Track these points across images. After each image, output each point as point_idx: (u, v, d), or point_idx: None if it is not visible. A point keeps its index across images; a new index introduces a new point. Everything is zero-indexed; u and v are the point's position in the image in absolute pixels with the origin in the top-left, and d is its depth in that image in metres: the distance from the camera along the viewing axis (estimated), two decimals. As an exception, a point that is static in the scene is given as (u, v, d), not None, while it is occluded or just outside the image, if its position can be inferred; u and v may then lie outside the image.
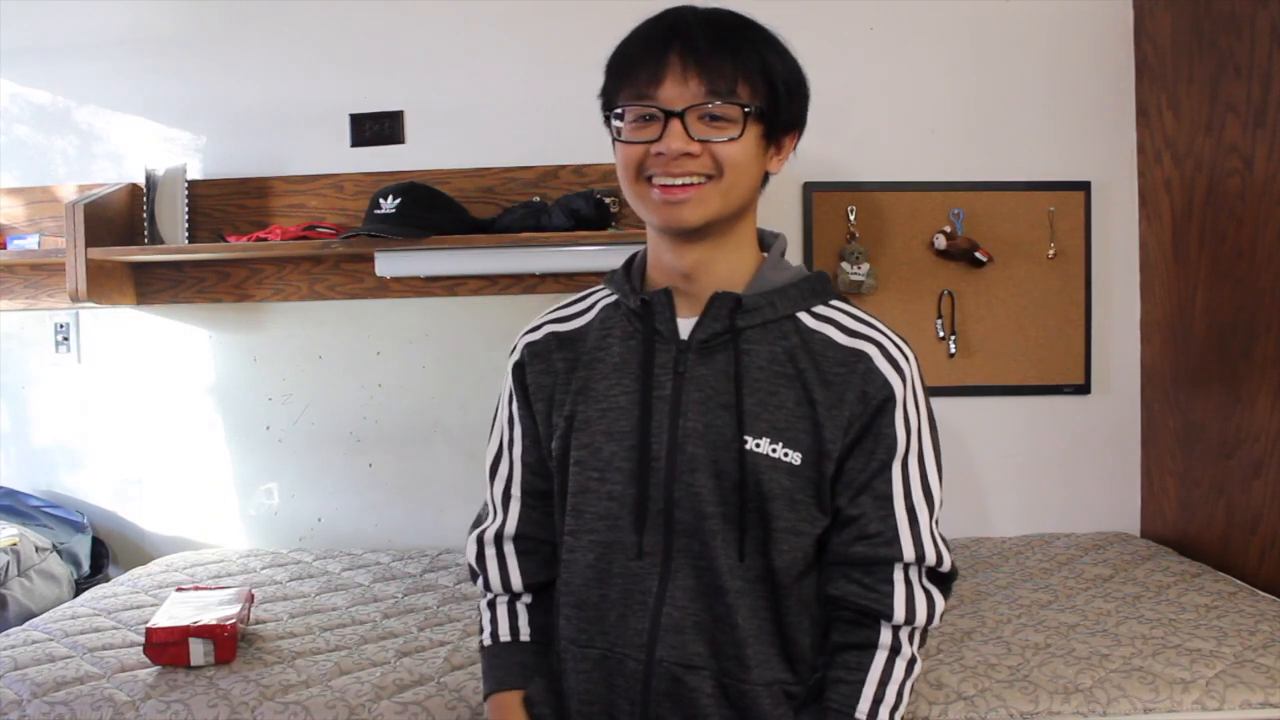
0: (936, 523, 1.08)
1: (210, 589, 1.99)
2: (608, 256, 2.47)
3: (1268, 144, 2.06)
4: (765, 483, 1.02)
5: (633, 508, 1.05)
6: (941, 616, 1.08)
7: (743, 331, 1.05)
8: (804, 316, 1.07)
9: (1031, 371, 2.61)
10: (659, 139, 0.98)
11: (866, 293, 2.55)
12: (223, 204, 2.58)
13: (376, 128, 2.58)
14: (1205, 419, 2.33)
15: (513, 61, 2.57)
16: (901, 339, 1.08)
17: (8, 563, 2.12)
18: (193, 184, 2.52)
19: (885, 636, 1.04)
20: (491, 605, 1.20)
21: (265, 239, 2.40)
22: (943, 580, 1.09)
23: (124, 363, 2.63)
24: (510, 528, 1.18)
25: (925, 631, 1.08)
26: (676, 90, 0.98)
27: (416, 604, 2.10)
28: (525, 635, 1.17)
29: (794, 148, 1.10)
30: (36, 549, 2.24)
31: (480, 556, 1.20)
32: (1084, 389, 2.62)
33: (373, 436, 2.63)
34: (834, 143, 2.58)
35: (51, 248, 2.47)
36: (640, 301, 1.09)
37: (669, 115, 0.98)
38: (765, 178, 1.09)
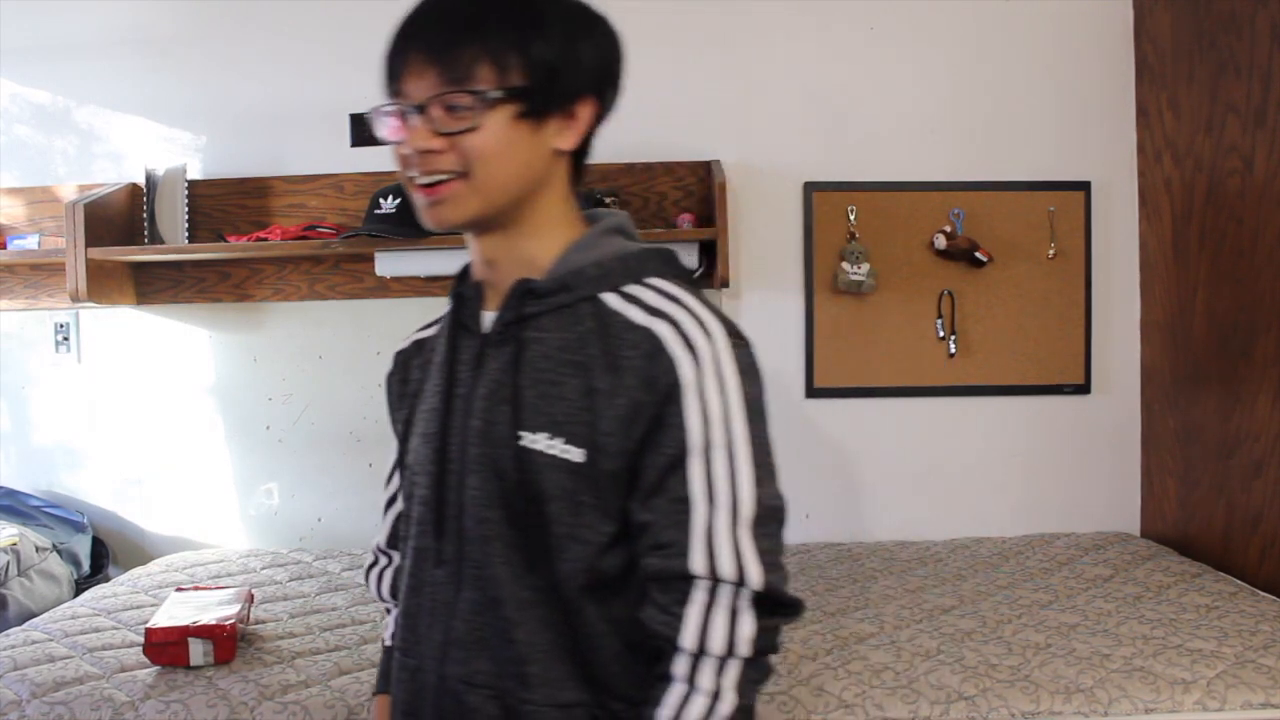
0: (758, 532, 0.90)
1: (210, 589, 1.99)
2: (608, 256, 2.47)
3: (1268, 144, 2.06)
4: (542, 483, 0.91)
5: (433, 512, 0.99)
6: (755, 644, 0.88)
7: (533, 319, 0.95)
8: (608, 298, 0.94)
9: (1031, 371, 2.61)
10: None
11: (866, 292, 2.55)
12: (223, 204, 2.58)
13: (377, 127, 2.58)
14: (1205, 419, 2.33)
15: (513, 61, 2.56)
16: (715, 316, 0.93)
17: (8, 563, 2.11)
18: (193, 184, 2.52)
19: (680, 667, 0.89)
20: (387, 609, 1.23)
21: (265, 239, 2.40)
22: (770, 605, 0.90)
23: (124, 363, 2.62)
24: (381, 538, 1.20)
25: (748, 663, 0.89)
26: (416, 83, 0.90)
27: (416, 604, 2.09)
28: (387, 641, 1.17)
29: (599, 115, 0.97)
30: (36, 549, 2.24)
31: (369, 565, 1.24)
32: (1084, 389, 2.62)
33: (373, 436, 2.63)
34: (834, 143, 2.58)
35: (51, 248, 2.47)
36: (454, 295, 1.03)
37: (411, 110, 0.91)
38: (581, 154, 0.98)
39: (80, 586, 2.34)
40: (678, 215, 2.49)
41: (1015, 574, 2.24)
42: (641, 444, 0.91)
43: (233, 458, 2.64)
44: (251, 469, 2.64)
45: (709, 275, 2.50)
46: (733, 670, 0.89)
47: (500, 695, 0.95)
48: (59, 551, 2.34)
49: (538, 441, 0.92)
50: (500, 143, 0.90)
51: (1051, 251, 2.58)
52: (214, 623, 1.72)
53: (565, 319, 0.94)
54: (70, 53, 2.59)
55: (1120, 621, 1.88)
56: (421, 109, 0.90)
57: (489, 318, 0.99)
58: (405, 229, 2.25)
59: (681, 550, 0.89)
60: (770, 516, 0.91)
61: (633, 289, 0.95)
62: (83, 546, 2.44)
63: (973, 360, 2.60)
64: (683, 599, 0.89)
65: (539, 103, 0.91)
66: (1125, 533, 2.59)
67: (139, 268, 2.57)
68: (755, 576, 0.88)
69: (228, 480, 2.64)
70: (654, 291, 0.95)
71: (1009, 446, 2.63)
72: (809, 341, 2.59)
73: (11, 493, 2.49)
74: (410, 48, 0.91)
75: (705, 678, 0.89)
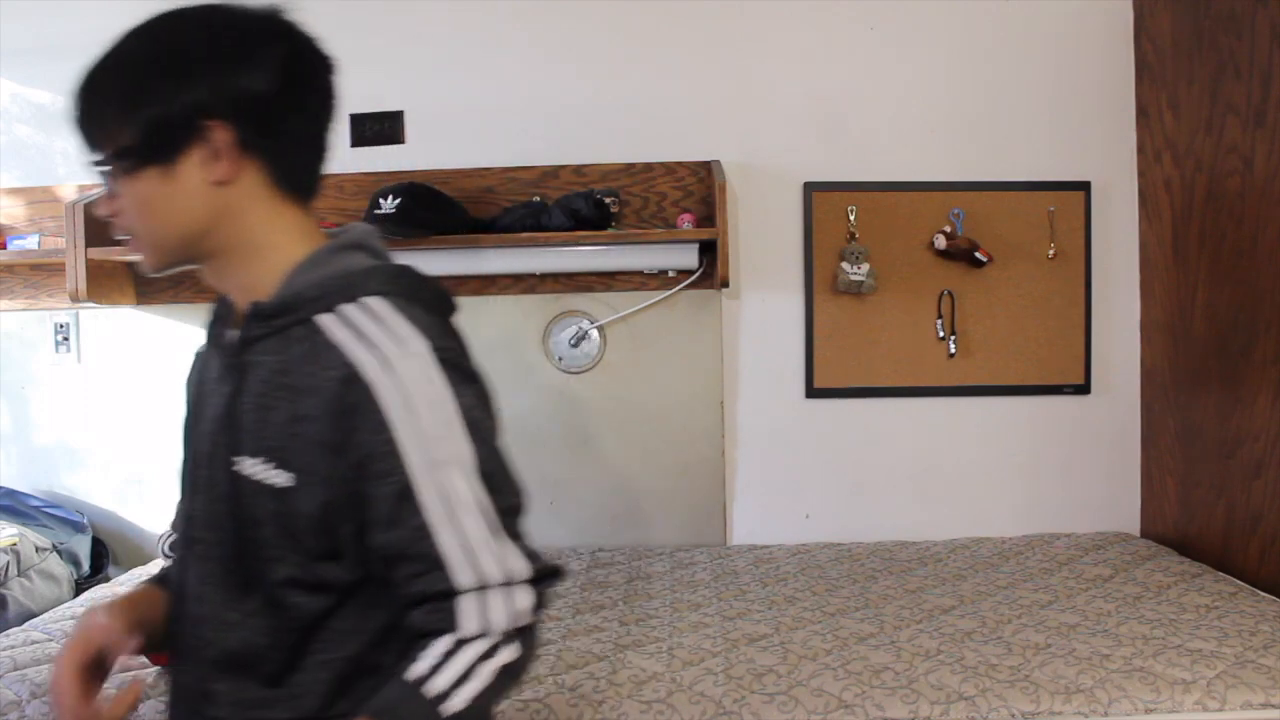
0: (511, 532, 0.91)
1: (210, 589, 1.99)
2: (607, 257, 2.47)
3: (1268, 144, 2.06)
4: (253, 508, 0.91)
5: (181, 531, 1.02)
6: (534, 612, 0.91)
7: (259, 341, 0.94)
8: (323, 319, 0.92)
9: (1031, 371, 2.61)
10: None
11: (866, 292, 2.55)
12: (223, 204, 2.57)
13: (376, 128, 2.58)
14: (1205, 419, 2.33)
15: (513, 61, 2.56)
16: (419, 330, 0.92)
17: (8, 563, 2.11)
18: (193, 184, 2.52)
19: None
20: None
21: (265, 239, 2.40)
22: (536, 582, 0.92)
23: (124, 363, 2.62)
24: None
25: (525, 630, 0.92)
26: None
27: (416, 604, 2.09)
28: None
29: (251, 135, 0.93)
30: (36, 549, 2.24)
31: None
32: (1084, 389, 2.62)
33: (373, 436, 2.62)
34: (834, 143, 2.58)
35: (51, 248, 2.46)
36: (214, 311, 1.05)
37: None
38: (288, 173, 0.98)
39: (80, 586, 2.34)
40: (678, 215, 2.49)
41: (1015, 574, 2.24)
42: (359, 471, 0.88)
43: (233, 458, 2.63)
44: (251, 469, 2.63)
45: (709, 275, 2.51)
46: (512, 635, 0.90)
47: (193, 711, 0.97)
48: (59, 551, 2.34)
49: (249, 466, 0.91)
50: (134, 201, 0.93)
51: (1051, 251, 2.58)
52: (214, 623, 1.71)
53: (284, 342, 0.93)
54: (70, 53, 2.56)
55: (1120, 621, 1.88)
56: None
57: (232, 337, 0.99)
58: (405, 229, 2.25)
59: (444, 573, 0.88)
60: (513, 513, 0.92)
61: (347, 309, 0.92)
62: (83, 546, 2.44)
63: (973, 360, 2.60)
64: (454, 606, 0.88)
65: (145, 154, 0.91)
66: (1125, 533, 2.59)
67: (139, 267, 2.57)
68: (522, 570, 0.90)
69: (228, 480, 2.64)
70: (364, 313, 0.92)
71: (1009, 446, 2.63)
72: (809, 342, 2.59)
73: (11, 493, 2.49)
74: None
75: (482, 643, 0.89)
